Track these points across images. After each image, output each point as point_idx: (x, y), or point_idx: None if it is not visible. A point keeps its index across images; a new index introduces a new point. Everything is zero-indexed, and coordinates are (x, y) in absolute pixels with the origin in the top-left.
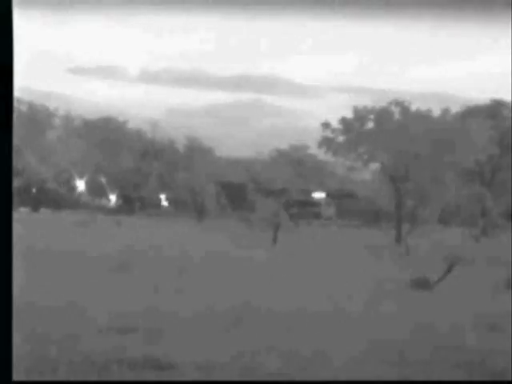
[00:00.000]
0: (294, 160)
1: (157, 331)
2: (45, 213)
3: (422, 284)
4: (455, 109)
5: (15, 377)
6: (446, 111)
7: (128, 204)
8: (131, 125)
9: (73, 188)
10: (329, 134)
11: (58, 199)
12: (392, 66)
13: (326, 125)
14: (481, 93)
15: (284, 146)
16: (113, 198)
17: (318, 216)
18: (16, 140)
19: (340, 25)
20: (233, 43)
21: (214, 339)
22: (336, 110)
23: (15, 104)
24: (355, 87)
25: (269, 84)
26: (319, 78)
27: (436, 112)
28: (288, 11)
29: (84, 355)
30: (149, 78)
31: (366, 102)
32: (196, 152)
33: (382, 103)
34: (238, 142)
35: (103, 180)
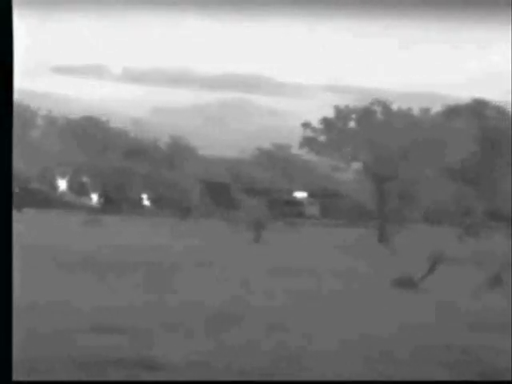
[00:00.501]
0: (277, 159)
1: (143, 330)
2: (27, 212)
3: (406, 283)
4: (437, 108)
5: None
6: (428, 110)
7: (111, 203)
8: (115, 124)
9: (55, 187)
10: (310, 133)
11: (41, 199)
12: (379, 66)
13: (306, 125)
14: (463, 92)
15: (268, 145)
16: (95, 197)
17: (301, 215)
18: None
19: (326, 26)
20: (218, 43)
21: (201, 338)
22: (322, 109)
23: None
24: (342, 87)
25: (254, 84)
26: (305, 78)
27: (418, 111)
28: (274, 12)
29: (70, 354)
30: (133, 77)
31: (352, 101)
32: (180, 151)
33: (365, 102)
34: (222, 141)
35: (86, 179)
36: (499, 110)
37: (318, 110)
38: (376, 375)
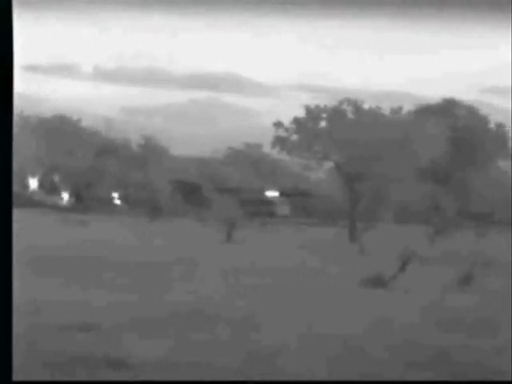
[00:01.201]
0: (249, 159)
1: (113, 329)
2: None
3: (376, 282)
4: (408, 107)
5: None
6: (399, 110)
7: (82, 202)
8: (86, 123)
9: (26, 186)
10: (282, 133)
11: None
12: (351, 65)
13: (278, 124)
14: (434, 92)
15: (240, 145)
16: (66, 196)
17: (272, 214)
18: None
19: (296, 23)
20: (189, 41)
21: (170, 338)
22: (294, 109)
23: None
24: (314, 86)
25: (225, 83)
26: (277, 77)
27: (390, 110)
28: (245, 11)
29: (38, 353)
30: (105, 76)
31: (324, 101)
32: (151, 151)
33: (337, 102)
34: (194, 141)
35: (57, 178)
36: (470, 110)
37: (290, 110)
38: (348, 373)
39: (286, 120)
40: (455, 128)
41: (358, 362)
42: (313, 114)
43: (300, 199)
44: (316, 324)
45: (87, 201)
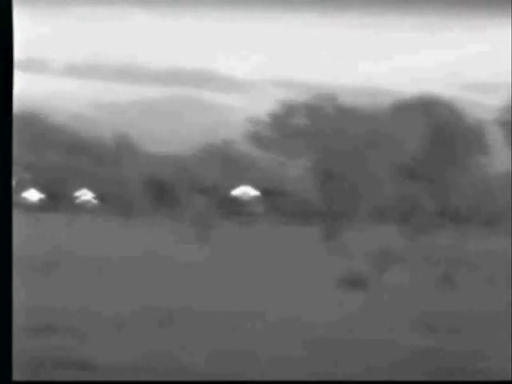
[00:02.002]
0: (225, 156)
1: (83, 331)
2: None
3: (354, 282)
4: (387, 104)
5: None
6: (379, 105)
7: (51, 201)
8: (56, 119)
9: None
10: (258, 129)
11: None
12: (328, 60)
13: (254, 120)
14: (412, 88)
15: (216, 141)
16: (37, 194)
17: (247, 213)
18: None
19: (274, 19)
20: (163, 38)
21: (144, 340)
22: (271, 104)
23: None
24: (291, 82)
25: (200, 79)
26: (254, 73)
27: (369, 106)
28: (219, 6)
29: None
30: (76, 71)
31: (301, 96)
32: (125, 148)
33: (314, 98)
34: (169, 138)
35: (26, 176)
36: (449, 106)
37: (266, 105)
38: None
39: (262, 116)
40: (435, 124)
41: (336, 364)
42: (289, 109)
43: (276, 197)
44: (293, 324)
45: (57, 199)
